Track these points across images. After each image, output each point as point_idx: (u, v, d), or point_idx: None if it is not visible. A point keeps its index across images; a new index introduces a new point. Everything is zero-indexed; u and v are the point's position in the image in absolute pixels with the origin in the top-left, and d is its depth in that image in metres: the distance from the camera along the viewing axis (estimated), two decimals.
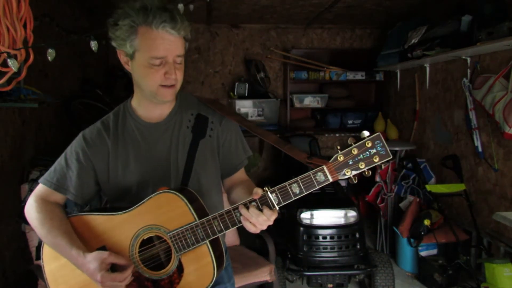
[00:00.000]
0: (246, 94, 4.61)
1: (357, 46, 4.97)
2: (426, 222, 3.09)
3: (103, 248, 1.18)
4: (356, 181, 1.03)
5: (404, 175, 3.63)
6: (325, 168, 1.03)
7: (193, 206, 1.13)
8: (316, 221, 2.86)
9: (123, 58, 1.21)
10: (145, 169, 1.24)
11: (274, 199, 1.06)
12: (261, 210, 1.06)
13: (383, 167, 0.99)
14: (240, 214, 1.08)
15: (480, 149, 3.01)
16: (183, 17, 1.16)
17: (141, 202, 1.16)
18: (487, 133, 2.95)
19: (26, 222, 2.20)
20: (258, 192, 1.06)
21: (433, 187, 3.15)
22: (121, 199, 1.26)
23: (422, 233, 3.12)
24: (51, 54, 1.40)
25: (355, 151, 1.02)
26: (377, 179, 3.75)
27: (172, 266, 1.16)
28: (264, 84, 4.56)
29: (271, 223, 1.08)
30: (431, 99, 3.80)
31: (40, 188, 1.25)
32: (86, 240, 1.20)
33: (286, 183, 1.05)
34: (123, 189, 1.25)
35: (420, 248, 3.22)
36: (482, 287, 2.65)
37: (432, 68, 3.74)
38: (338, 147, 1.04)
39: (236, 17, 4.38)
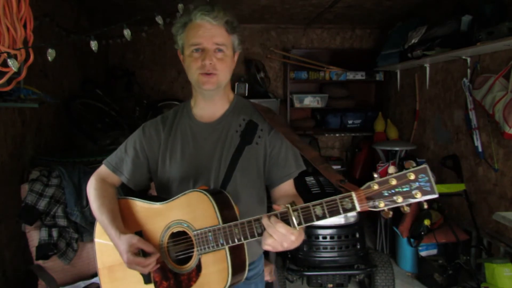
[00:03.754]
0: (246, 94, 4.61)
1: (357, 46, 4.97)
2: (426, 222, 3.09)
3: (140, 232, 1.27)
4: (390, 215, 0.93)
5: None
6: (353, 195, 0.95)
7: (221, 209, 1.13)
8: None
9: (180, 57, 1.31)
10: (189, 165, 1.29)
11: (295, 218, 1.01)
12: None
13: (426, 205, 0.89)
14: (260, 226, 1.06)
15: (480, 149, 3.01)
16: (222, 8, 1.25)
17: (176, 196, 1.21)
18: (487, 133, 2.95)
19: (26, 222, 2.22)
20: (280, 207, 1.04)
21: None
22: (165, 191, 1.32)
23: (422, 233, 3.11)
24: (51, 54, 1.40)
25: (393, 182, 0.91)
26: None
27: (192, 264, 1.18)
28: (264, 84, 4.56)
29: (289, 243, 1.04)
30: (431, 99, 3.80)
31: (102, 168, 1.38)
32: (128, 222, 1.29)
33: (310, 204, 1.00)
34: (168, 181, 1.31)
35: (420, 248, 3.22)
36: (482, 287, 2.65)
37: (432, 68, 3.74)
38: (375, 175, 0.94)
39: (236, 17, 4.38)
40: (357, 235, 2.84)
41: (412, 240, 3.24)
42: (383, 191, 0.92)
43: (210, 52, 1.21)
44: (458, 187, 3.04)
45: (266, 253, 2.68)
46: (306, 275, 2.87)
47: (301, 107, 4.73)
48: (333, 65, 4.66)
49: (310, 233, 2.82)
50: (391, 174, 0.92)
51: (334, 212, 0.98)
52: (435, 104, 3.73)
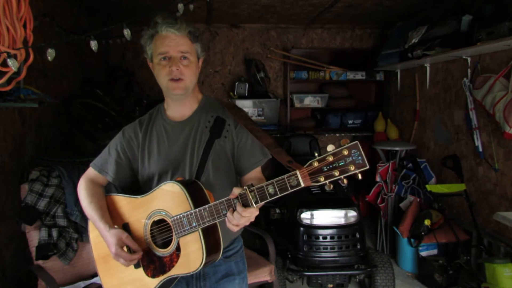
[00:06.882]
0: (246, 94, 4.61)
1: (357, 46, 4.97)
2: (426, 222, 3.09)
3: (126, 224, 1.42)
4: (331, 188, 1.04)
5: (404, 175, 3.63)
6: (298, 173, 1.06)
7: (193, 197, 1.25)
8: (316, 221, 2.86)
9: (150, 65, 1.44)
10: (166, 160, 1.42)
11: (252, 198, 1.13)
12: (244, 206, 1.16)
13: (360, 176, 1.03)
14: (225, 208, 1.18)
15: (480, 149, 3.01)
16: (184, 21, 1.36)
17: (154, 189, 1.35)
18: (488, 133, 2.95)
19: (26, 222, 2.22)
20: (237, 191, 1.17)
21: (433, 187, 3.15)
22: (148, 186, 1.44)
23: (423, 233, 3.12)
24: (51, 54, 1.40)
25: (330, 158, 1.01)
26: (377, 179, 3.75)
27: (172, 246, 1.31)
28: (264, 84, 4.55)
29: (252, 220, 1.18)
30: (431, 99, 3.80)
31: (89, 170, 1.52)
32: (115, 216, 1.44)
33: (264, 184, 1.12)
34: (149, 177, 1.45)
35: (420, 248, 3.22)
36: (482, 287, 2.65)
37: (432, 68, 3.74)
38: (316, 154, 1.05)
39: (236, 17, 4.38)
40: (357, 235, 2.84)
41: (412, 240, 3.24)
42: (322, 167, 1.02)
43: (176, 59, 1.35)
44: (458, 187, 3.04)
45: (266, 253, 2.68)
46: (306, 275, 2.87)
47: (301, 107, 4.73)
48: (333, 65, 4.66)
49: (310, 233, 2.82)
50: (329, 152, 1.02)
51: (283, 189, 1.08)
52: (435, 104, 3.73)
